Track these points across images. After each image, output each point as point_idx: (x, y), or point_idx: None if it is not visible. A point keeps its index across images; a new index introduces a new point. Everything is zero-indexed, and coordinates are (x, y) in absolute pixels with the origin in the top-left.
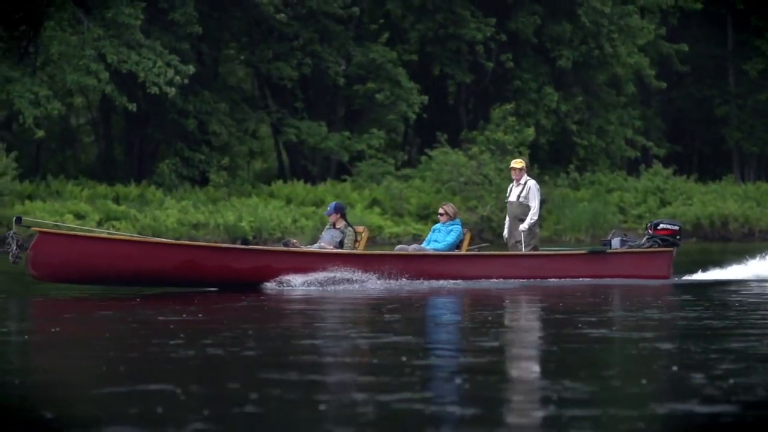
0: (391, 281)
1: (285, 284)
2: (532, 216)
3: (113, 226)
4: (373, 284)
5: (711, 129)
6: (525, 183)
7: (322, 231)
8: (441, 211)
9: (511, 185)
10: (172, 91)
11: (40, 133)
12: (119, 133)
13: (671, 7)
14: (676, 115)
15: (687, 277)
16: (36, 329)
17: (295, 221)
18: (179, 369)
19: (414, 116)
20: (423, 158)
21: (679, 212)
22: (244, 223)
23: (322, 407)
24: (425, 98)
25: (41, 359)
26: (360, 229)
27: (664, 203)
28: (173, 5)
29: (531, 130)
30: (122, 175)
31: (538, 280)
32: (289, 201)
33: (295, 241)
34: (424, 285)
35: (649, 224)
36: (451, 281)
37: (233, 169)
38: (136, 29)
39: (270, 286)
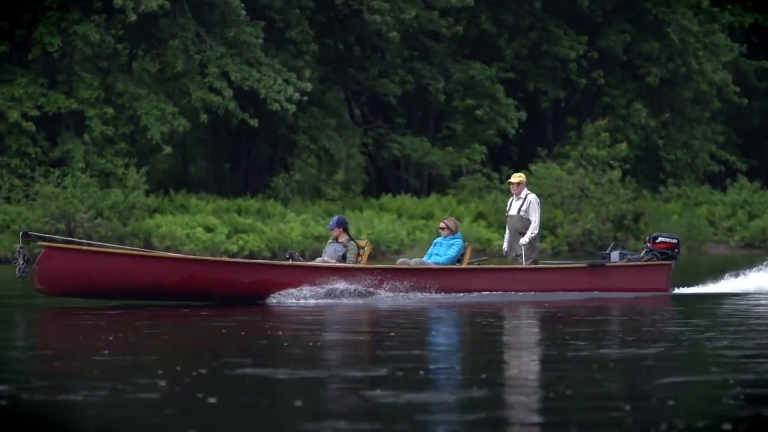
0: (393, 295)
1: (288, 298)
2: (533, 230)
3: (242, 239)
4: (374, 298)
5: None
6: (525, 197)
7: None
8: (442, 225)
9: (510, 199)
10: (292, 108)
11: (167, 149)
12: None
13: (750, 24)
14: (748, 129)
15: (684, 290)
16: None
17: (408, 234)
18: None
19: (513, 131)
20: (524, 172)
21: None
22: (363, 236)
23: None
24: (523, 114)
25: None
26: (362, 243)
27: (752, 216)
28: (289, 24)
29: (624, 146)
30: (229, 189)
31: (538, 293)
32: (399, 214)
33: (298, 254)
34: (425, 299)
35: (648, 237)
36: (452, 295)
37: (346, 183)
38: (257, 47)
39: (272, 299)
